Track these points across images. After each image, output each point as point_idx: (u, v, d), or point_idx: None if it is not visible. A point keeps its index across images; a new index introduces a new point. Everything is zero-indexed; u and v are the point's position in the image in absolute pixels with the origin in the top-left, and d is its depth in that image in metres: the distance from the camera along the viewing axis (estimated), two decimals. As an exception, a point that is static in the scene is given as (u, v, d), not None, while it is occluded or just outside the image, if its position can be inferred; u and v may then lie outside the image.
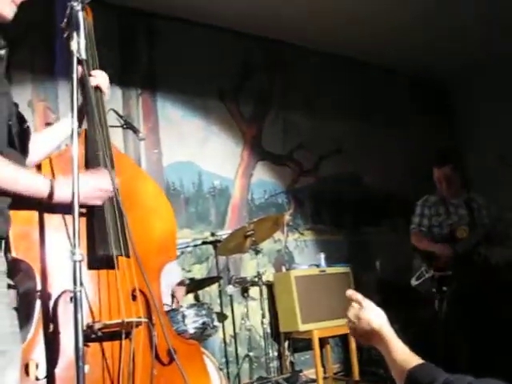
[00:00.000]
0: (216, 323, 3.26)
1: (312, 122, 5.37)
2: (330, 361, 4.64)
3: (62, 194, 1.49)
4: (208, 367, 2.00)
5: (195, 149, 4.54)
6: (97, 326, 1.51)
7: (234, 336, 4.01)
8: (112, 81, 1.92)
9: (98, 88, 1.79)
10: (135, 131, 3.01)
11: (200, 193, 4.52)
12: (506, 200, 3.74)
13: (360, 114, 5.79)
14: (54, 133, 1.88)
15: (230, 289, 3.72)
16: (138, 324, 1.64)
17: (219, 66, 4.84)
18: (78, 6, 1.47)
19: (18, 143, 1.57)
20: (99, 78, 1.82)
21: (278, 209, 4.93)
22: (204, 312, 3.20)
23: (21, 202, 1.48)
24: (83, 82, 1.72)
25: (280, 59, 5.32)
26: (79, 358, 1.29)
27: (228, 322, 3.92)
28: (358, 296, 1.31)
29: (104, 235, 1.60)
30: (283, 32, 5.11)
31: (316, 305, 4.11)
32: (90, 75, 1.71)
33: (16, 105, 1.67)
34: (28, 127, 1.67)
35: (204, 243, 4.04)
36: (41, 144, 1.80)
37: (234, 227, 4.48)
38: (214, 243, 3.97)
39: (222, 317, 3.73)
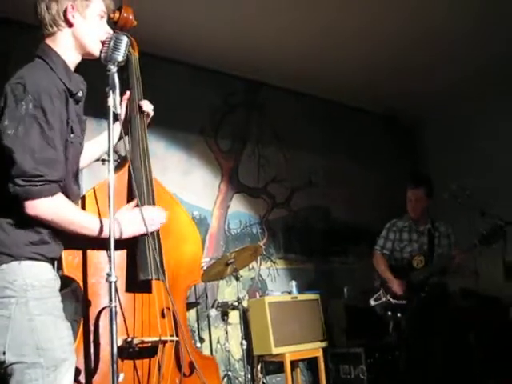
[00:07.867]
0: (198, 344, 3.52)
1: (285, 158, 5.67)
2: (299, 383, 4.82)
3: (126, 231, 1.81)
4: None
5: (177, 181, 4.76)
6: (135, 341, 1.75)
7: (212, 358, 4.19)
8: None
9: (145, 114, 2.12)
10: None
11: (181, 222, 4.74)
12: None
13: (330, 150, 6.08)
14: (98, 145, 2.13)
15: (214, 312, 3.96)
16: (165, 342, 1.88)
17: (201, 104, 5.10)
18: (114, 69, 1.76)
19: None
20: (148, 105, 2.11)
21: (253, 239, 5.16)
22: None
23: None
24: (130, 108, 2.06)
25: (256, 98, 5.63)
26: (114, 362, 1.54)
27: (205, 345, 4.13)
28: None
29: (145, 262, 1.86)
30: (260, 73, 5.44)
31: (288, 329, 4.30)
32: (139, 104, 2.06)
33: None
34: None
35: (184, 270, 4.25)
36: (86, 154, 2.01)
37: (211, 255, 4.75)
38: (194, 270, 4.20)
39: (200, 340, 3.96)
